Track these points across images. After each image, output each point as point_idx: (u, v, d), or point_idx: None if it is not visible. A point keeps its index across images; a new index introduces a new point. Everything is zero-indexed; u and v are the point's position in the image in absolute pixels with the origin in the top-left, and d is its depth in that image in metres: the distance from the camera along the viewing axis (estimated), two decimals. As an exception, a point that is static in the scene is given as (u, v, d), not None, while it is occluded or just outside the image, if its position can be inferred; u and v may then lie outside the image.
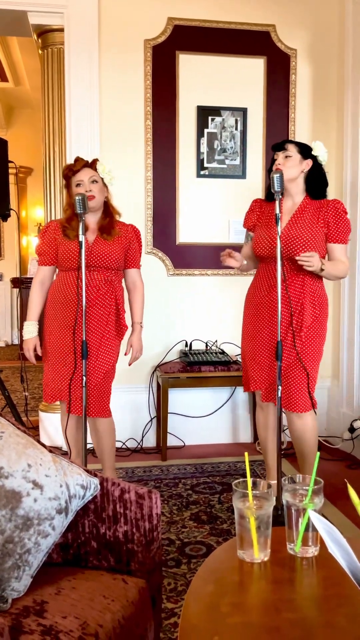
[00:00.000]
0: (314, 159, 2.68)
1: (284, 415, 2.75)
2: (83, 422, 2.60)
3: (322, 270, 2.54)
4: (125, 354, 2.93)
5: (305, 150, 2.67)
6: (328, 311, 2.74)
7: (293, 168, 2.64)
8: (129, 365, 2.99)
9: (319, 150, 2.67)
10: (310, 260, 2.47)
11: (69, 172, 2.78)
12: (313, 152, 2.67)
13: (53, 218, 3.81)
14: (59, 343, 2.76)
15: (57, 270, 2.89)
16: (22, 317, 6.60)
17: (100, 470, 2.97)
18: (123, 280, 2.95)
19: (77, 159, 2.81)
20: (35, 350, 2.82)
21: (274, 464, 2.75)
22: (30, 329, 2.82)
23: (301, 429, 2.68)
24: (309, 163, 2.67)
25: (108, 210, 2.85)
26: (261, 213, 2.80)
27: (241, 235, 3.88)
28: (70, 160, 3.55)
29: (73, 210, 2.68)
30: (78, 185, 2.75)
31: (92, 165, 2.79)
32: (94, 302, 2.74)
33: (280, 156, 2.67)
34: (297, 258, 2.48)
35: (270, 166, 2.76)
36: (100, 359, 2.76)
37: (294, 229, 2.63)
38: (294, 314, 2.62)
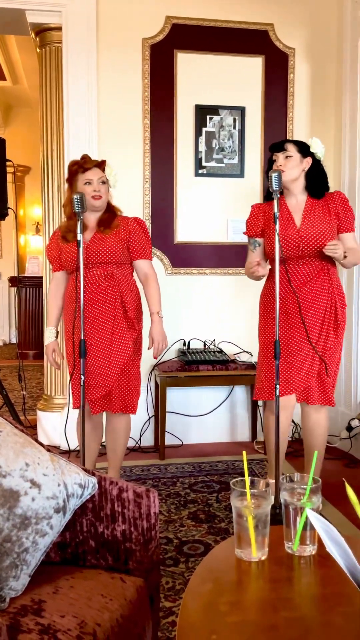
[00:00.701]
0: (313, 155, 2.69)
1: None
2: (81, 420, 2.59)
3: (344, 257, 2.57)
4: (149, 348, 2.86)
5: (304, 149, 2.68)
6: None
7: (295, 168, 2.65)
8: (155, 357, 2.90)
9: (316, 147, 2.69)
10: (337, 246, 2.51)
11: (79, 168, 2.76)
12: (311, 150, 2.69)
13: (51, 217, 3.81)
14: (69, 345, 2.80)
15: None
16: (20, 316, 6.60)
17: (100, 469, 2.97)
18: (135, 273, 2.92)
19: (87, 158, 2.79)
20: (54, 354, 2.85)
21: (281, 462, 2.82)
22: (48, 335, 2.88)
23: (315, 422, 2.75)
24: (308, 161, 2.68)
25: (109, 208, 2.85)
26: (269, 217, 2.73)
27: (240, 235, 3.88)
28: (68, 158, 3.55)
29: (72, 207, 2.69)
30: (87, 183, 2.74)
31: (101, 165, 2.79)
32: (96, 299, 2.72)
33: (280, 157, 2.67)
34: (325, 249, 2.52)
35: (267, 167, 2.76)
36: (114, 354, 2.74)
37: (311, 227, 2.64)
38: (327, 309, 2.67)
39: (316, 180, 2.70)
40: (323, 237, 2.63)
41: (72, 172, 2.78)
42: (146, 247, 2.87)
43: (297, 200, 2.73)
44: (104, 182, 2.77)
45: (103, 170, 2.79)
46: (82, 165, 2.75)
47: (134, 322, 2.80)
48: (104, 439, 3.01)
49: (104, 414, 2.94)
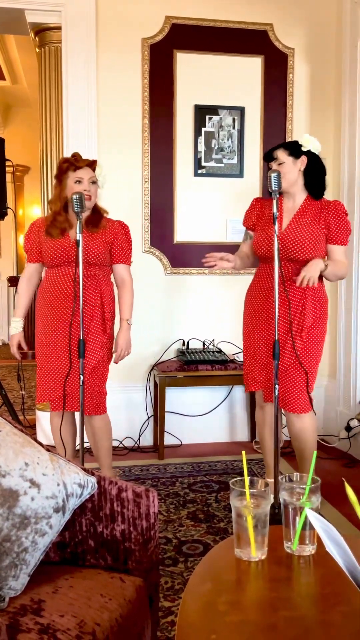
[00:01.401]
0: (308, 152, 2.66)
1: (282, 414, 2.75)
2: (81, 420, 2.60)
3: (325, 267, 2.55)
4: (113, 352, 2.89)
5: (294, 150, 2.66)
6: (328, 311, 2.75)
7: (289, 173, 2.64)
8: (115, 362, 2.91)
9: (309, 144, 2.65)
10: (307, 277, 2.49)
11: (70, 166, 2.75)
12: (303, 148, 2.66)
13: (50, 217, 3.82)
14: (50, 341, 2.78)
15: (44, 268, 2.91)
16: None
17: (98, 469, 2.97)
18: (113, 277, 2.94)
19: (79, 156, 2.79)
20: (20, 347, 2.87)
21: (271, 456, 2.78)
22: (15, 325, 2.88)
23: (300, 430, 2.70)
24: (303, 160, 2.66)
25: (95, 209, 2.86)
26: (261, 213, 2.79)
27: (239, 235, 3.87)
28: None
29: (62, 204, 2.74)
30: (77, 182, 2.74)
31: (92, 165, 2.79)
32: (77, 297, 2.72)
33: (274, 166, 2.67)
34: (297, 284, 2.52)
35: (269, 170, 2.75)
36: (87, 355, 2.73)
37: (294, 231, 2.63)
38: (295, 314, 2.63)
39: (313, 177, 2.68)
40: (302, 245, 2.60)
41: (63, 169, 2.77)
42: (127, 252, 2.89)
43: (294, 201, 2.72)
44: (94, 182, 2.79)
45: (94, 170, 2.80)
46: (74, 163, 2.75)
47: (107, 324, 2.81)
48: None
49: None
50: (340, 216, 2.65)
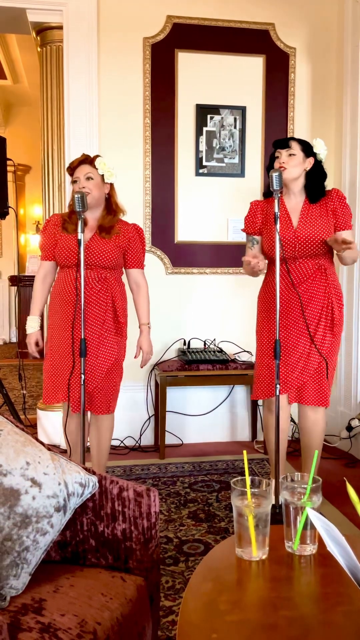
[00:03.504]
0: (315, 156, 2.68)
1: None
2: (82, 420, 2.60)
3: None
4: (135, 357, 2.92)
5: (307, 149, 2.68)
6: None
7: (297, 167, 2.64)
8: (141, 367, 2.98)
9: (319, 148, 2.68)
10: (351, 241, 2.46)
11: (69, 170, 2.82)
12: (314, 150, 2.68)
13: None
14: (58, 342, 2.76)
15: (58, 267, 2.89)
16: (20, 315, 6.61)
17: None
18: (125, 278, 2.93)
19: (76, 159, 2.82)
20: (37, 345, 2.86)
21: (284, 461, 2.84)
22: (32, 324, 2.86)
23: (314, 421, 2.74)
24: (311, 161, 2.68)
25: (111, 207, 2.83)
26: (266, 215, 2.76)
27: (240, 234, 3.88)
28: (68, 158, 3.56)
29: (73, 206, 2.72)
30: (74, 182, 2.76)
31: (91, 161, 2.78)
32: (87, 301, 2.71)
33: (283, 154, 2.66)
34: (344, 246, 2.44)
35: (269, 163, 2.75)
36: (100, 357, 2.74)
37: (308, 228, 2.64)
38: (323, 309, 2.66)
39: (315, 181, 2.69)
40: (319, 238, 2.62)
41: (69, 174, 2.83)
42: (141, 256, 2.89)
43: (296, 200, 2.72)
44: (91, 178, 2.74)
45: (93, 165, 2.76)
46: (70, 166, 2.81)
47: (123, 327, 2.81)
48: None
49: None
50: (343, 201, 2.70)
